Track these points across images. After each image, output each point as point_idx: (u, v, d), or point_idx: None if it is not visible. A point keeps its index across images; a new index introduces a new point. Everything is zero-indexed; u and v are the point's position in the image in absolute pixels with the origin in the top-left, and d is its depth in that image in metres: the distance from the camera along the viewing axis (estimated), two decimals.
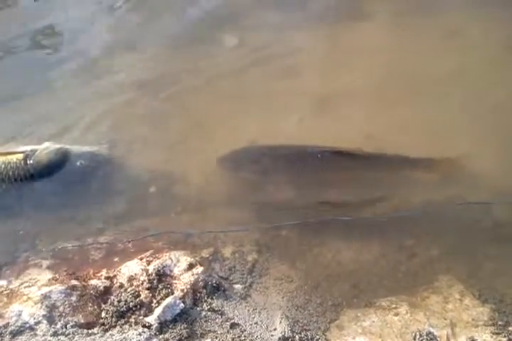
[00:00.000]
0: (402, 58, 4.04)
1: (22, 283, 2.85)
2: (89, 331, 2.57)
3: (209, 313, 2.66)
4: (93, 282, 2.81)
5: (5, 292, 2.81)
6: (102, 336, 2.54)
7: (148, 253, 2.98)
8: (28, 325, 2.58)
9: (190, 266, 2.85)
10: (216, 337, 2.56)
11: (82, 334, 2.56)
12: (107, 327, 2.59)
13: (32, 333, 2.56)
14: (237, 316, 2.67)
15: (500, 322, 2.59)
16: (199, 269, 2.83)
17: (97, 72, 4.30)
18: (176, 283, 2.77)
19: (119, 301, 2.68)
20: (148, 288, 2.74)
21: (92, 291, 2.76)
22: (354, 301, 2.77)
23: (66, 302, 2.68)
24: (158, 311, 2.60)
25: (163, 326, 2.56)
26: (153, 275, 2.79)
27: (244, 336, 2.57)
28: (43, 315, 2.61)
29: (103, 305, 2.70)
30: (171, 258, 2.90)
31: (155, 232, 3.13)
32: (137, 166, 3.56)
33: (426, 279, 2.86)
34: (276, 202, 3.33)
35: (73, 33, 4.69)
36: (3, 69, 4.47)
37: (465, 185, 3.29)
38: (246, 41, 4.36)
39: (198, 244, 3.09)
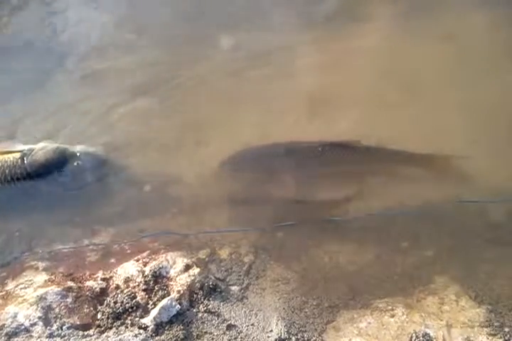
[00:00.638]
0: (399, 60, 4.04)
1: (18, 285, 2.84)
2: (85, 333, 2.57)
3: (205, 315, 2.66)
4: (89, 283, 2.81)
5: (0, 294, 2.80)
6: (97, 338, 2.54)
7: (144, 255, 2.98)
8: (23, 327, 2.57)
9: (187, 268, 2.85)
10: (212, 339, 2.56)
11: (78, 335, 2.56)
12: (102, 328, 2.59)
13: (27, 335, 2.55)
14: (233, 317, 2.67)
15: (496, 323, 2.59)
16: (195, 270, 2.83)
17: (94, 73, 4.28)
18: (172, 285, 2.76)
19: (115, 303, 2.68)
20: (144, 290, 2.74)
21: (88, 293, 2.75)
22: (350, 303, 2.77)
23: (62, 304, 2.68)
24: (154, 312, 2.59)
25: (159, 327, 2.56)
26: (150, 276, 2.78)
27: (241, 337, 2.57)
28: (39, 317, 2.61)
29: (99, 307, 2.70)
30: (167, 260, 2.90)
31: (150, 233, 3.13)
32: (133, 167, 3.55)
33: (422, 280, 2.87)
34: (275, 202, 3.34)
35: (71, 32, 4.68)
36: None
37: (461, 185, 3.30)
38: (243, 43, 4.36)
39: (195, 246, 3.08)
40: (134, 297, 2.71)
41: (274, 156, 3.45)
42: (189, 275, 2.80)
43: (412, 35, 4.25)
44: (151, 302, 2.68)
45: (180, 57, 4.37)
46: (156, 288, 2.74)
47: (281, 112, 3.80)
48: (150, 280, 2.76)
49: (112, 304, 2.67)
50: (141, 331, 2.55)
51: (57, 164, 3.43)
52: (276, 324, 2.64)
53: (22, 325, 2.58)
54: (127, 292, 2.73)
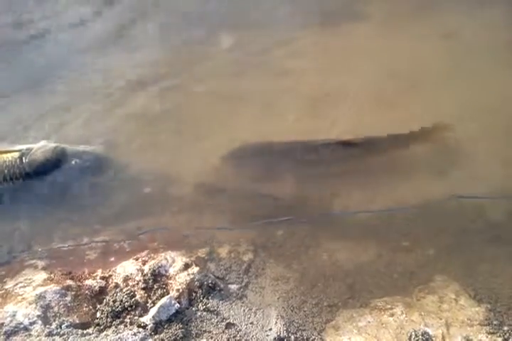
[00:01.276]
0: (398, 59, 4.05)
1: (17, 284, 2.84)
2: (84, 331, 2.57)
3: (204, 313, 2.66)
4: (88, 282, 2.80)
5: None
6: (96, 336, 2.54)
7: (143, 253, 2.98)
8: (22, 326, 2.57)
9: (186, 266, 2.85)
10: (211, 337, 2.55)
11: (77, 334, 2.55)
12: (101, 327, 2.59)
13: (26, 333, 2.55)
14: (232, 316, 2.67)
15: (495, 322, 2.59)
16: (195, 269, 2.83)
17: (94, 72, 4.29)
18: (171, 283, 2.76)
19: (114, 301, 2.67)
20: (143, 288, 2.74)
21: (87, 291, 2.75)
22: (350, 301, 2.77)
23: (61, 303, 2.67)
24: (153, 311, 2.59)
25: (158, 326, 2.56)
26: (149, 275, 2.78)
27: (240, 336, 2.57)
28: (38, 316, 2.60)
29: (98, 305, 2.69)
30: (166, 258, 2.89)
31: (147, 229, 3.13)
32: (132, 166, 3.56)
33: (421, 279, 2.86)
34: (275, 198, 3.34)
35: (70, 31, 4.68)
36: None
37: (461, 183, 3.30)
38: (242, 42, 4.37)
39: (194, 244, 3.08)
40: (133, 295, 2.71)
41: (274, 153, 3.46)
42: (188, 274, 2.79)
43: (410, 34, 4.26)
44: (150, 301, 2.68)
45: (180, 56, 4.37)
46: (155, 287, 2.74)
47: (280, 111, 3.80)
48: (149, 279, 2.76)
49: (111, 303, 2.67)
50: (140, 330, 2.54)
51: (55, 163, 3.43)
52: (276, 322, 2.63)
53: (21, 323, 2.57)
54: (126, 290, 2.72)
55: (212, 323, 2.62)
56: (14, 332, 2.55)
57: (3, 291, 2.80)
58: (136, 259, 2.93)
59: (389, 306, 2.72)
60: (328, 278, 2.89)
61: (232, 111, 3.86)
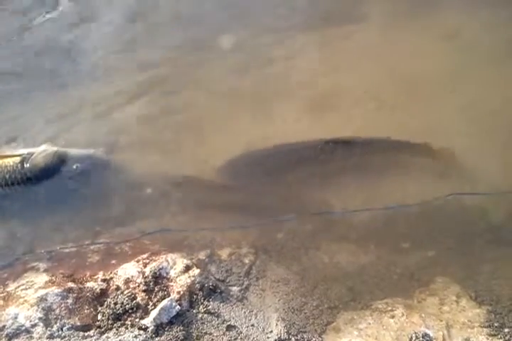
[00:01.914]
0: (398, 60, 4.04)
1: (18, 286, 2.85)
2: (86, 333, 2.58)
3: (205, 315, 2.66)
4: (89, 284, 2.81)
5: (1, 295, 2.81)
6: (98, 338, 2.55)
7: (144, 256, 2.98)
8: (24, 328, 2.58)
9: (187, 268, 2.85)
10: (212, 340, 2.56)
11: (78, 336, 2.56)
12: (103, 329, 2.60)
13: (28, 336, 2.56)
14: (233, 318, 2.67)
15: (496, 324, 2.59)
16: (195, 271, 2.83)
17: (95, 75, 4.30)
18: (172, 286, 2.77)
19: (115, 303, 2.68)
20: (144, 291, 2.74)
21: (88, 293, 2.76)
22: (350, 303, 2.77)
23: (62, 305, 2.68)
24: (154, 313, 2.60)
25: (159, 328, 2.56)
26: (150, 277, 2.79)
27: (241, 338, 2.57)
28: (39, 318, 2.61)
29: (99, 308, 2.70)
30: (167, 261, 2.90)
31: (149, 231, 3.13)
32: (133, 169, 3.56)
33: (422, 281, 2.86)
34: (275, 198, 3.35)
35: (70, 31, 4.69)
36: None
37: (461, 182, 3.30)
38: (243, 43, 4.37)
39: (195, 246, 3.09)
40: (134, 298, 2.71)
41: (274, 153, 3.46)
42: (189, 276, 2.80)
43: (411, 34, 4.25)
44: (151, 303, 2.68)
45: (180, 57, 4.38)
46: (156, 289, 2.74)
47: (281, 112, 3.80)
48: (150, 281, 2.77)
49: (112, 305, 2.68)
50: (141, 332, 2.55)
51: (56, 168, 3.44)
52: (276, 325, 2.64)
53: (23, 326, 2.59)
54: (127, 293, 2.73)
55: (213, 325, 2.62)
56: (16, 334, 2.56)
57: (5, 294, 2.81)
58: (137, 261, 2.93)
59: (389, 308, 2.72)
60: (328, 280, 2.89)
61: (233, 112, 3.86)
